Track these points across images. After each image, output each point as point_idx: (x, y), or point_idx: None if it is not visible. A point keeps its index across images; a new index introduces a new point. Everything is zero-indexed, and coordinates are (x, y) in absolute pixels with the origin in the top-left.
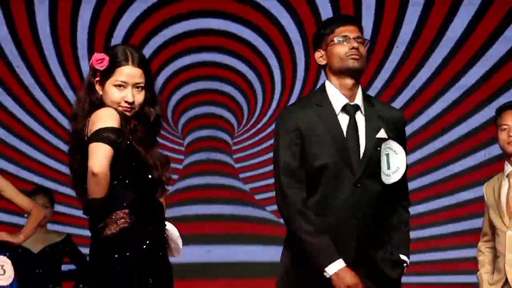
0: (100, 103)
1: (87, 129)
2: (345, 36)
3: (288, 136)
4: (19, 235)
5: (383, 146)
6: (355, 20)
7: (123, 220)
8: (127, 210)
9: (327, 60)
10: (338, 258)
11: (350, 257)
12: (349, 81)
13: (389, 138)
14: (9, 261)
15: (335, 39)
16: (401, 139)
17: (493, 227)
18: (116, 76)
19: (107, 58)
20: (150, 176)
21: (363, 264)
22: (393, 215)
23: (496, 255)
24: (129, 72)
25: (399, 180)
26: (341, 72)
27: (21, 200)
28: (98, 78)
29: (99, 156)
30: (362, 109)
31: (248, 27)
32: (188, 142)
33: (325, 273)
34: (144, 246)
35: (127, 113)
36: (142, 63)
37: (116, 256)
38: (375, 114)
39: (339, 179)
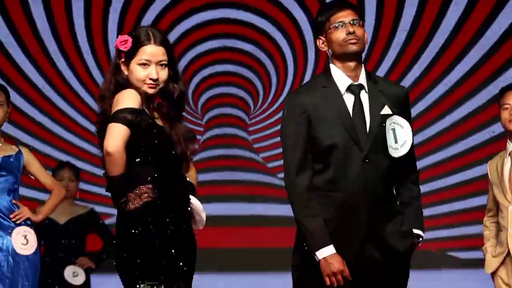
0: (125, 83)
1: (111, 109)
2: (340, 22)
3: (296, 119)
4: (38, 214)
5: (388, 121)
6: (349, 4)
7: (146, 194)
8: (150, 185)
9: (328, 46)
10: (329, 244)
11: (363, 231)
12: (351, 64)
13: (394, 113)
14: (32, 231)
15: (332, 26)
16: (406, 114)
17: (496, 203)
18: (140, 55)
19: (130, 39)
20: (173, 152)
21: (375, 238)
22: (404, 191)
23: (500, 230)
24: (152, 51)
25: (406, 153)
26: (342, 57)
27: (45, 177)
28: (123, 59)
29: (114, 136)
30: (366, 88)
31: (265, 18)
32: (207, 119)
33: (315, 256)
34: (168, 219)
35: (152, 90)
36: (164, 42)
37: (140, 229)
38: (379, 92)
39: (348, 156)
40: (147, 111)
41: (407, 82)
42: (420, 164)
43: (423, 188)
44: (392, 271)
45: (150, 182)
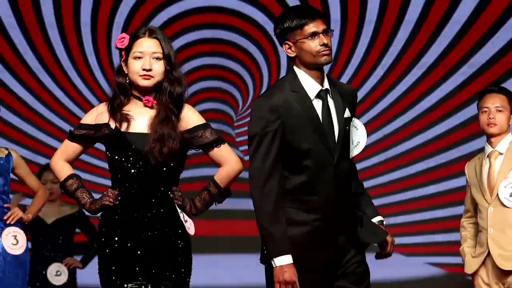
0: (124, 85)
1: None
2: (314, 32)
3: (271, 124)
4: (27, 214)
5: (351, 124)
6: (320, 13)
7: (106, 198)
8: (116, 191)
9: (297, 53)
10: (288, 254)
11: (339, 230)
12: (318, 72)
13: (352, 115)
14: (21, 231)
15: (305, 36)
16: (355, 112)
17: (475, 204)
18: (134, 48)
19: (127, 37)
20: (133, 161)
21: (349, 235)
22: (353, 183)
23: (478, 230)
24: (144, 43)
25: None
26: (312, 66)
27: (32, 180)
28: (124, 58)
29: (58, 149)
30: (330, 92)
31: (260, 10)
32: None
33: (272, 262)
34: (118, 228)
35: (146, 82)
36: (158, 35)
37: (98, 231)
38: (338, 95)
39: (321, 161)
40: (111, 123)
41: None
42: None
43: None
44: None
45: (115, 188)
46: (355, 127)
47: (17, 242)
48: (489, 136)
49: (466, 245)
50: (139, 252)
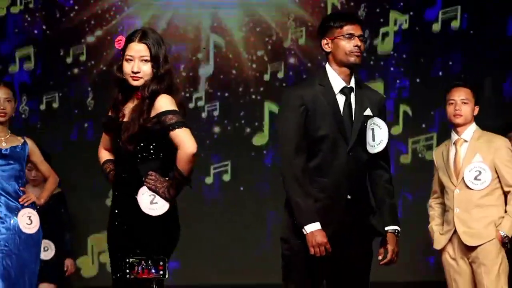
0: (121, 79)
1: None
2: (351, 34)
3: (295, 110)
4: (40, 198)
5: (369, 122)
6: (360, 20)
7: (110, 177)
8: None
9: (332, 49)
10: (316, 221)
11: (343, 209)
12: (348, 70)
13: (374, 115)
14: (35, 213)
15: (343, 35)
16: (383, 116)
17: (442, 186)
18: (127, 51)
19: (123, 39)
20: (118, 141)
21: (352, 216)
22: (378, 189)
23: (444, 210)
24: (134, 47)
25: (382, 151)
26: (342, 63)
27: (44, 166)
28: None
29: None
30: (355, 91)
31: None
32: None
33: (303, 230)
34: (111, 206)
35: (136, 82)
36: (147, 40)
37: None
38: (363, 96)
39: (335, 147)
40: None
41: None
42: None
43: None
44: (365, 244)
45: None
46: (378, 126)
47: (31, 222)
48: (455, 126)
49: (434, 223)
50: (110, 230)
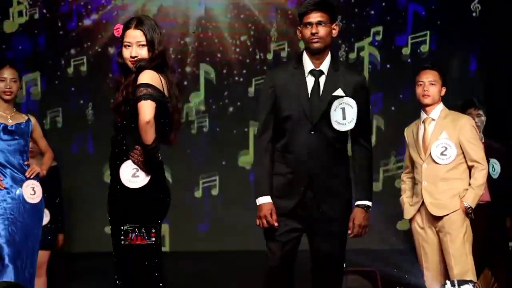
0: (122, 64)
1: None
2: (308, 22)
3: (265, 92)
4: (42, 171)
5: (337, 101)
6: (320, 6)
7: None
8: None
9: (301, 37)
10: (266, 195)
11: (304, 183)
12: (317, 55)
13: (346, 95)
14: (38, 184)
15: (302, 24)
16: (359, 97)
17: (412, 162)
18: (125, 38)
19: (121, 27)
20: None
21: (317, 190)
22: (356, 148)
23: (414, 183)
24: (131, 34)
25: (359, 123)
26: (308, 50)
27: (43, 143)
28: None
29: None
30: (326, 74)
31: None
32: None
33: (256, 200)
34: None
35: (134, 67)
36: (143, 26)
37: None
38: (338, 77)
39: (299, 127)
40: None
41: None
42: None
43: None
44: (327, 220)
45: None
46: (350, 105)
47: (35, 192)
48: (424, 106)
49: (405, 196)
50: (108, 199)
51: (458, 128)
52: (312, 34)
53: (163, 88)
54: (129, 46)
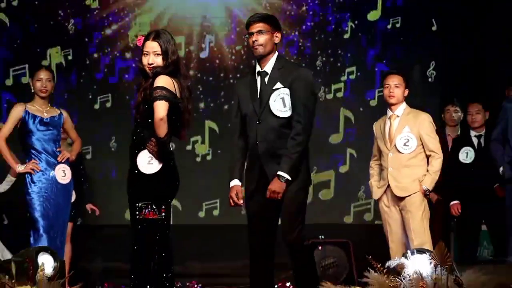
0: (143, 71)
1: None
2: (250, 33)
3: (234, 100)
4: (71, 156)
5: (276, 92)
6: (258, 18)
7: None
8: None
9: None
10: (233, 179)
11: (258, 170)
12: (262, 59)
13: (285, 87)
14: (68, 168)
15: (247, 35)
16: (295, 87)
17: (379, 151)
18: (144, 48)
19: (142, 38)
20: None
21: (265, 174)
22: (288, 140)
23: (381, 169)
24: (149, 44)
25: (293, 114)
26: (255, 56)
27: (73, 133)
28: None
29: None
30: (269, 73)
31: None
32: None
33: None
34: None
35: (151, 71)
36: (159, 38)
37: None
38: (279, 74)
39: (251, 121)
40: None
41: None
42: None
43: None
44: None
45: None
46: (287, 94)
47: (65, 175)
48: (390, 105)
49: (373, 180)
50: (127, 180)
51: (418, 123)
52: (253, 42)
53: (175, 91)
54: (147, 54)
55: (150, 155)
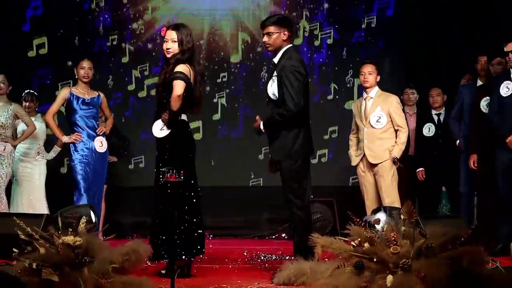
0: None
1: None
2: (262, 34)
3: None
4: (107, 130)
5: (272, 79)
6: (265, 23)
7: None
8: None
9: None
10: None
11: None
12: (275, 54)
13: (278, 75)
14: (105, 140)
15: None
16: (282, 74)
17: (357, 126)
18: (165, 36)
19: (165, 29)
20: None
21: (269, 143)
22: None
23: (358, 141)
24: (168, 33)
25: (279, 97)
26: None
27: (107, 111)
28: None
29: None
30: (275, 63)
31: None
32: None
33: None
34: None
35: (168, 55)
36: (177, 29)
37: None
38: (278, 66)
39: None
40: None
41: None
42: None
43: None
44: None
45: None
46: (275, 82)
47: (102, 145)
48: (365, 88)
49: (352, 150)
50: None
51: (388, 103)
52: (264, 42)
53: (190, 76)
54: (166, 41)
55: (162, 123)
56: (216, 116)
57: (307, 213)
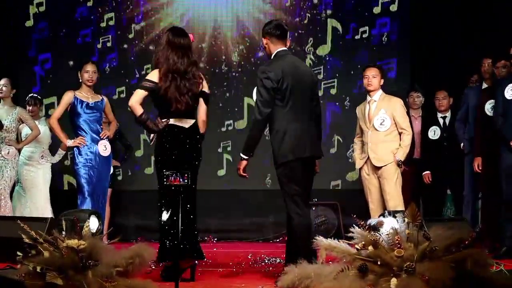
0: None
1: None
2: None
3: None
4: (110, 134)
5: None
6: (263, 31)
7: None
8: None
9: None
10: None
11: None
12: None
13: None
14: (108, 143)
15: None
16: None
17: (361, 129)
18: None
19: (192, 34)
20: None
21: None
22: None
23: (363, 144)
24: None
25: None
26: None
27: (111, 115)
28: None
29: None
30: None
31: None
32: None
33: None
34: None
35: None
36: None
37: None
38: None
39: None
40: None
41: None
42: None
43: None
44: None
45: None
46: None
47: (106, 149)
48: (369, 91)
49: (356, 153)
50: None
51: (392, 106)
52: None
53: (157, 80)
54: None
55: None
56: (220, 120)
57: (303, 219)
